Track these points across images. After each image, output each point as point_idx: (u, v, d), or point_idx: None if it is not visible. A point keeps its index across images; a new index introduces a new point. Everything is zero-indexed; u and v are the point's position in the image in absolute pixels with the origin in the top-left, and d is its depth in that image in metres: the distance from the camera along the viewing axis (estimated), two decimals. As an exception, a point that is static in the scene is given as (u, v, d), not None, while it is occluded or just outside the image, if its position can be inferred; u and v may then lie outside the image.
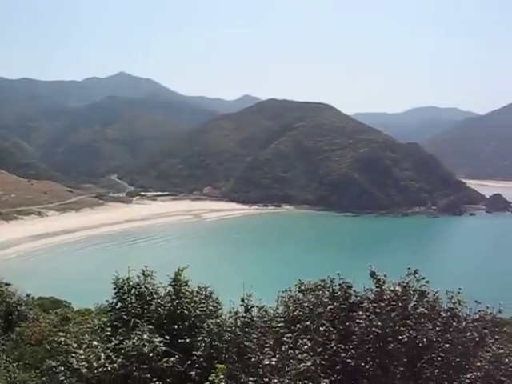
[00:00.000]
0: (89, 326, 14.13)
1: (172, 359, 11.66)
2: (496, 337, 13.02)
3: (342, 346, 12.82)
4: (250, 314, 12.43)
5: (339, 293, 13.83)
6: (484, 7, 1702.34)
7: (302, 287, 14.92)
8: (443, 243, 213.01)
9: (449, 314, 12.97)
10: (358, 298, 13.57)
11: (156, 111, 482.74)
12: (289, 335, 12.03)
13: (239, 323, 12.28)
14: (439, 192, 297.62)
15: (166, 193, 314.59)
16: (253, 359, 11.44)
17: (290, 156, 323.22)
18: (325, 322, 13.07)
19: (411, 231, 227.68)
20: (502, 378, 12.37)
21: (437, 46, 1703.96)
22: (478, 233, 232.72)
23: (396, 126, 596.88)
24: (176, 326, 13.47)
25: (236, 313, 12.54)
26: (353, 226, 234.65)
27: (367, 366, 12.56)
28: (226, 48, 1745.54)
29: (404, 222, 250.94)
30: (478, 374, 12.31)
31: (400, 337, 12.37)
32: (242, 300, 12.49)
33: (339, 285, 13.83)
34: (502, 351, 12.37)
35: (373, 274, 13.24)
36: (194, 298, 14.13)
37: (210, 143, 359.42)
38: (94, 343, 11.73)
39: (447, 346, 12.61)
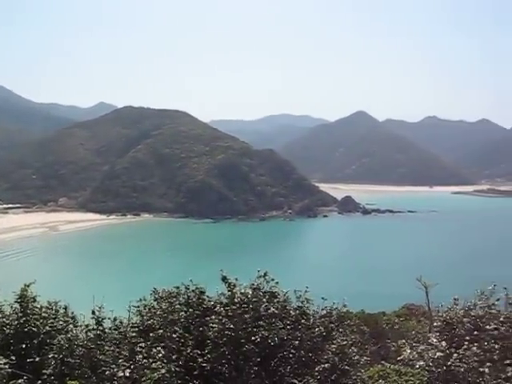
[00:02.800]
0: None
1: (20, 381, 11.04)
2: (340, 330, 13.92)
3: (199, 352, 12.95)
4: (101, 326, 12.16)
5: (194, 299, 13.97)
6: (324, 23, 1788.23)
7: (157, 295, 14.88)
8: (299, 244, 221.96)
9: (298, 312, 13.64)
10: (212, 303, 13.78)
11: (6, 119, 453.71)
12: (143, 345, 11.96)
13: (91, 336, 11.98)
14: (294, 196, 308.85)
15: (18, 205, 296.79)
16: (107, 372, 11.25)
17: (148, 164, 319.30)
18: (178, 328, 13.14)
19: (268, 235, 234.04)
20: (346, 367, 13.26)
21: (287, 56, 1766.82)
22: (330, 233, 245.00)
23: (252, 132, 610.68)
24: (24, 345, 12.83)
25: (87, 326, 12.22)
26: (211, 232, 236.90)
27: (223, 369, 12.81)
28: (79, 53, 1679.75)
29: (261, 226, 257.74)
30: (326, 366, 13.09)
31: (253, 338, 12.75)
32: (93, 312, 12.20)
33: (193, 291, 13.97)
34: (345, 343, 13.26)
35: (224, 279, 13.54)
36: (43, 314, 13.54)
37: (64, 152, 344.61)
38: None
39: (297, 342, 13.24)
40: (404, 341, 15.83)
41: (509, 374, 12.13)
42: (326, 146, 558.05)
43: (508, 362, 12.60)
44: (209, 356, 12.75)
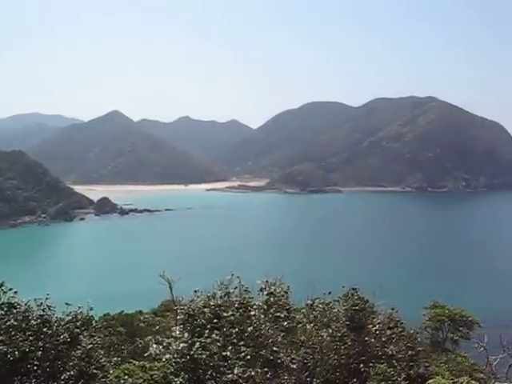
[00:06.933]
0: None
1: None
2: (85, 333, 13.87)
3: None
4: None
5: None
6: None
7: None
8: (49, 252, 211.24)
9: (39, 321, 13.23)
10: None
11: None
12: None
13: None
14: (48, 199, 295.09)
15: None
16: None
17: None
18: None
19: (18, 243, 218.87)
20: (94, 371, 13.28)
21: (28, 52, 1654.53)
22: (86, 237, 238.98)
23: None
24: None
25: None
26: None
27: None
28: None
29: (11, 234, 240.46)
30: (72, 372, 12.95)
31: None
32: None
33: None
34: (90, 346, 13.26)
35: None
36: None
37: None
38: None
39: (40, 353, 12.85)
40: (151, 337, 16.36)
41: (243, 354, 13.34)
42: (80, 146, 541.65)
43: (242, 343, 13.84)
44: None
